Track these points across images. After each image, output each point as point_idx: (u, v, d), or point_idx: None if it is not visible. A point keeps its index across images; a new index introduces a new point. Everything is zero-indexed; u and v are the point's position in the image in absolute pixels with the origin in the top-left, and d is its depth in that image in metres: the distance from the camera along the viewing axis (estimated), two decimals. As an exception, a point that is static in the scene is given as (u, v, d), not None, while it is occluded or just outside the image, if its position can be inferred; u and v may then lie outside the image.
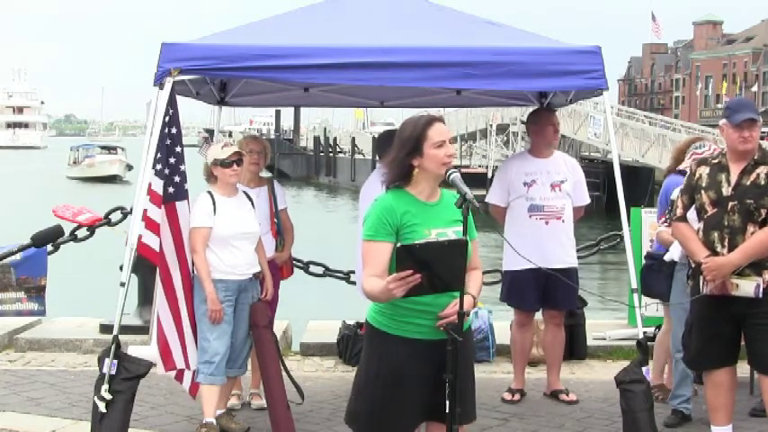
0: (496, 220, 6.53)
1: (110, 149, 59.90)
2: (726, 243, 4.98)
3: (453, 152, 3.94)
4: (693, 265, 5.18)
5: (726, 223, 4.99)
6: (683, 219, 5.22)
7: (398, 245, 3.61)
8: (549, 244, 6.28)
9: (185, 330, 5.57)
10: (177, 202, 5.51)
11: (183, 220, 5.53)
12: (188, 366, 5.62)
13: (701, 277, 5.04)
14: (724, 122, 5.09)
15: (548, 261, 6.00)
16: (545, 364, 6.83)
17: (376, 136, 64.95)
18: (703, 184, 5.10)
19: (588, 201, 6.60)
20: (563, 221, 6.39)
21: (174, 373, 5.64)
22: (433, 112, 4.13)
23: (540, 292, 6.44)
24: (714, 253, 4.99)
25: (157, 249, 5.41)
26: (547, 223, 6.36)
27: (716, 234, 5.01)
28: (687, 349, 5.32)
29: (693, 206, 5.18)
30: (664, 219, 6.00)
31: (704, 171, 5.15)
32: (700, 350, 5.20)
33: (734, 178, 5.04)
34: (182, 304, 5.54)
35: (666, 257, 5.98)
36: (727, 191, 5.03)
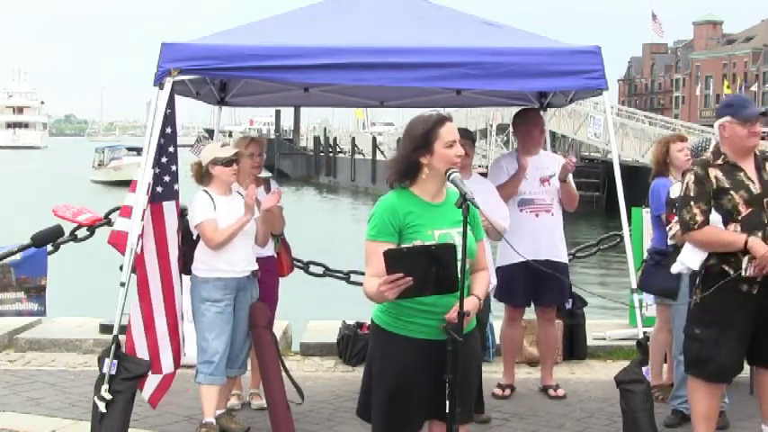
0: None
1: (138, 151, 55.51)
2: None
3: (462, 152, 3.95)
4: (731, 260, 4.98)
5: (766, 221, 4.90)
6: (706, 225, 5.01)
7: (385, 249, 3.60)
8: (539, 237, 6.36)
9: (159, 333, 5.46)
10: (165, 202, 5.48)
11: (169, 220, 5.49)
12: (158, 370, 5.50)
13: (747, 257, 4.87)
14: (728, 120, 5.01)
15: (537, 254, 6.06)
16: (545, 363, 6.87)
17: (376, 136, 63.88)
18: (727, 185, 4.97)
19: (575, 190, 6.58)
20: (552, 215, 6.50)
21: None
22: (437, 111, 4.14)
23: (530, 287, 6.51)
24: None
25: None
26: (537, 216, 6.46)
27: (759, 234, 4.88)
28: (713, 362, 5.01)
29: (713, 212, 4.99)
30: (676, 218, 5.87)
31: (717, 173, 5.00)
32: (729, 365, 5.04)
33: (753, 175, 4.99)
34: (158, 308, 5.45)
35: (674, 270, 5.78)
36: (756, 188, 4.96)
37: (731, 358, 5.05)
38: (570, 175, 6.51)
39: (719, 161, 5.06)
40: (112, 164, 53.16)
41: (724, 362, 5.03)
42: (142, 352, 5.46)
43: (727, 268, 4.96)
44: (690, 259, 5.24)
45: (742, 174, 5.00)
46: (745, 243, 4.87)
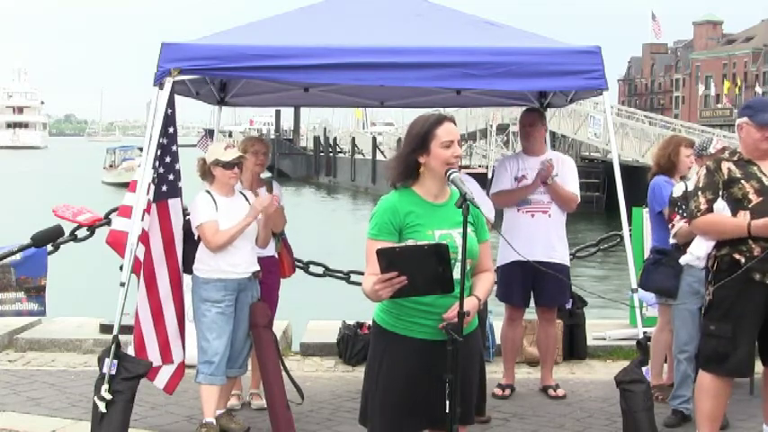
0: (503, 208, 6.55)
1: None
2: None
3: (460, 153, 3.95)
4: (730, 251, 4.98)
5: None
6: (709, 213, 5.05)
7: (377, 248, 3.60)
8: (534, 237, 6.34)
9: (168, 324, 5.57)
10: (170, 200, 5.56)
11: (174, 217, 5.57)
12: (169, 360, 5.62)
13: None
14: (745, 121, 5.04)
15: (532, 254, 6.01)
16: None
17: (376, 136, 63.78)
18: (739, 176, 5.00)
19: (575, 191, 6.55)
20: (549, 216, 6.46)
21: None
22: (439, 112, 4.15)
23: (529, 287, 6.53)
24: (766, 241, 4.85)
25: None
26: (533, 216, 6.45)
27: None
28: (731, 357, 4.97)
29: (719, 199, 5.01)
30: (678, 216, 5.90)
31: (731, 165, 5.06)
32: (746, 358, 5.01)
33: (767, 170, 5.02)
34: (166, 300, 5.55)
35: (683, 261, 5.80)
36: None
37: (748, 351, 5.03)
38: (558, 176, 6.45)
39: (735, 157, 5.11)
40: (124, 164, 51.27)
41: (741, 356, 5.01)
42: (152, 344, 5.53)
43: (738, 257, 4.95)
44: (697, 248, 5.30)
45: (755, 168, 5.04)
46: (748, 227, 4.87)
